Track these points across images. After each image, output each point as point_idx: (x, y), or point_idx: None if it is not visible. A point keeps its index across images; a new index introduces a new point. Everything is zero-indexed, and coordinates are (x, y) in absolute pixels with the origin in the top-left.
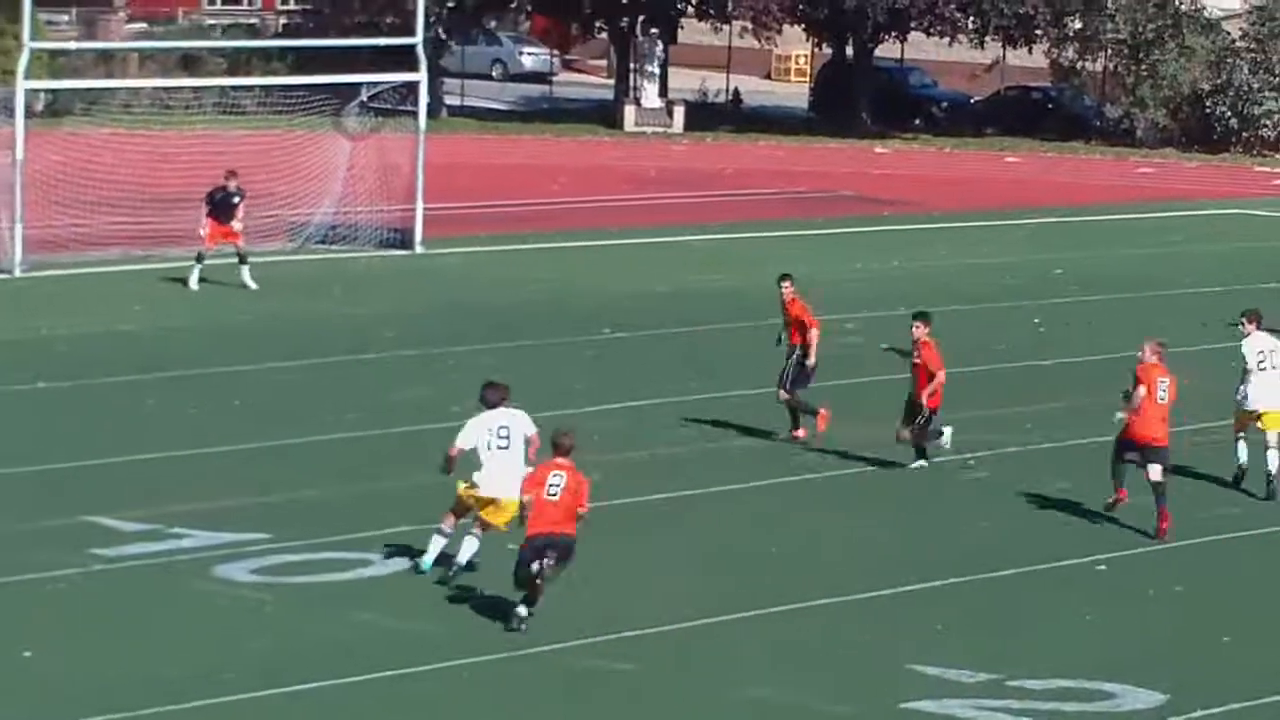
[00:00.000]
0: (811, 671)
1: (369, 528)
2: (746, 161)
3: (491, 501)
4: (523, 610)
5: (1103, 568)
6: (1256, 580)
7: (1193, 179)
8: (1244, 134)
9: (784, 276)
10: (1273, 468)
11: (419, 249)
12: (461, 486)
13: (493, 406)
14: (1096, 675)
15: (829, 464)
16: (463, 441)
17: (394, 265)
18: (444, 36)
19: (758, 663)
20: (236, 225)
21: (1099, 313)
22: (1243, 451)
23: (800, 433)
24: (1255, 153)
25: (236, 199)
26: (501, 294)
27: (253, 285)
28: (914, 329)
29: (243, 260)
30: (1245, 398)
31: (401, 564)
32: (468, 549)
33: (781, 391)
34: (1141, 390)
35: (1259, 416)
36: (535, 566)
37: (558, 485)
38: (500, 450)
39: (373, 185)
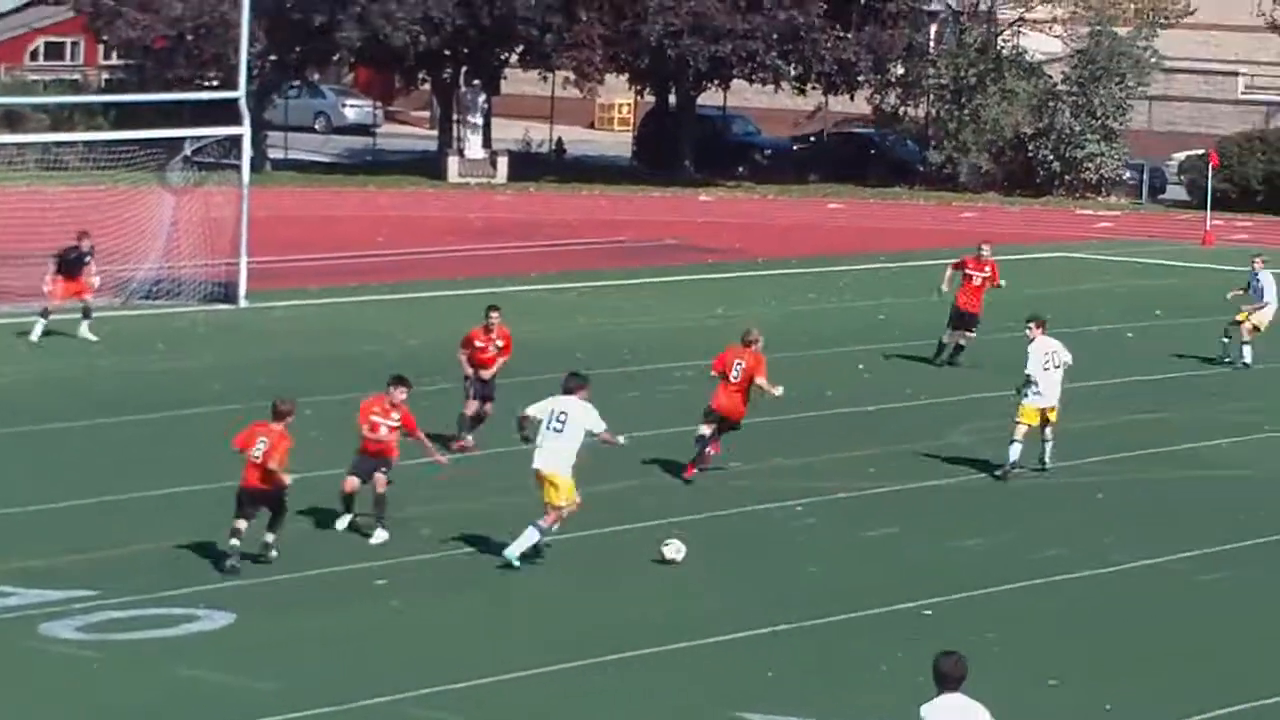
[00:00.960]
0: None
1: (196, 582)
2: (570, 211)
3: (545, 479)
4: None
5: (929, 613)
6: (1082, 622)
7: (1016, 222)
8: (1066, 177)
9: (493, 307)
10: (1048, 453)
11: (243, 303)
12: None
13: (569, 393)
14: None
15: (657, 512)
16: (533, 410)
17: (219, 320)
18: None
19: (585, 714)
20: (92, 281)
21: (924, 358)
22: (1015, 452)
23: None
24: (1078, 195)
25: (88, 258)
26: (326, 346)
27: (93, 338)
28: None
29: (86, 315)
30: (1033, 396)
31: (228, 618)
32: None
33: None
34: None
35: (1043, 413)
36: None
37: (260, 447)
38: (555, 433)
39: (197, 240)
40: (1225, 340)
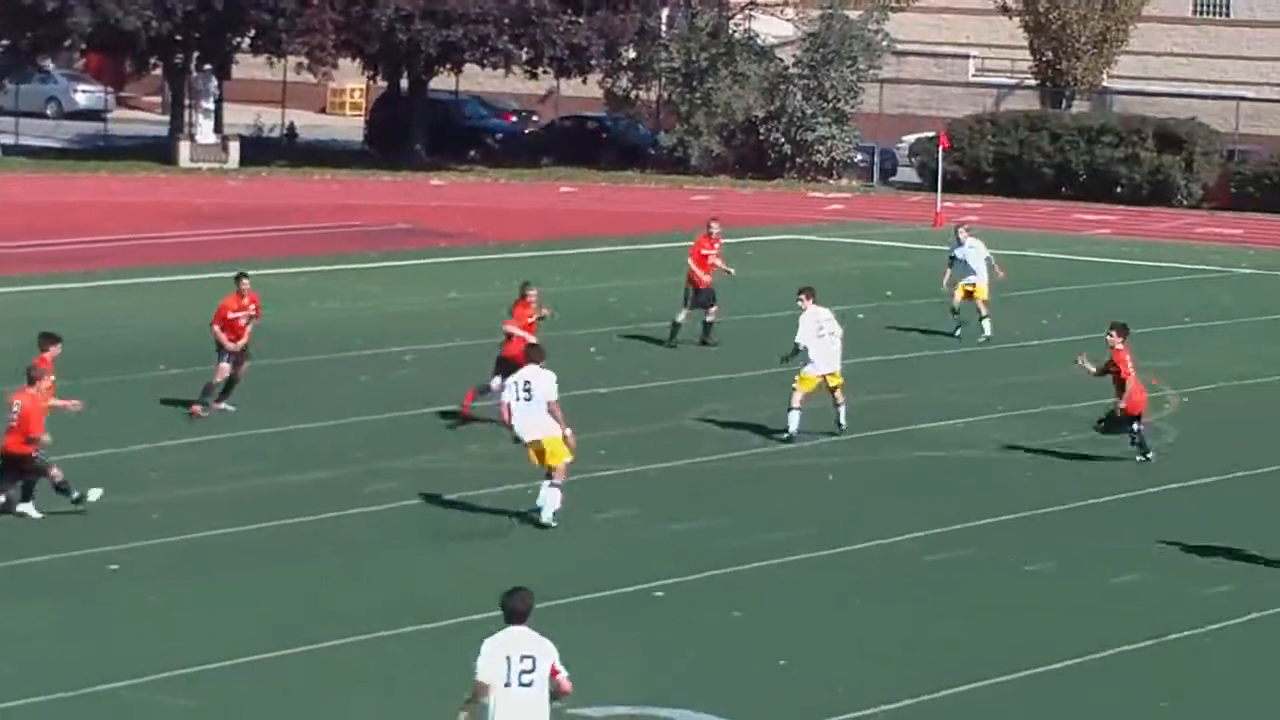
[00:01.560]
0: (377, 698)
1: None
2: (302, 196)
3: (534, 445)
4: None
5: (660, 594)
6: (811, 603)
7: (747, 205)
8: (798, 160)
9: (242, 275)
10: (842, 416)
11: None
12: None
13: (533, 363)
14: (656, 701)
15: (401, 494)
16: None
17: None
18: None
19: (313, 700)
20: None
21: (658, 340)
22: (794, 421)
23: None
24: (809, 178)
25: None
26: (56, 330)
27: None
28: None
29: None
30: (811, 364)
31: None
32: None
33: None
34: None
35: (824, 380)
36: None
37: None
38: (525, 401)
39: None
40: (955, 314)
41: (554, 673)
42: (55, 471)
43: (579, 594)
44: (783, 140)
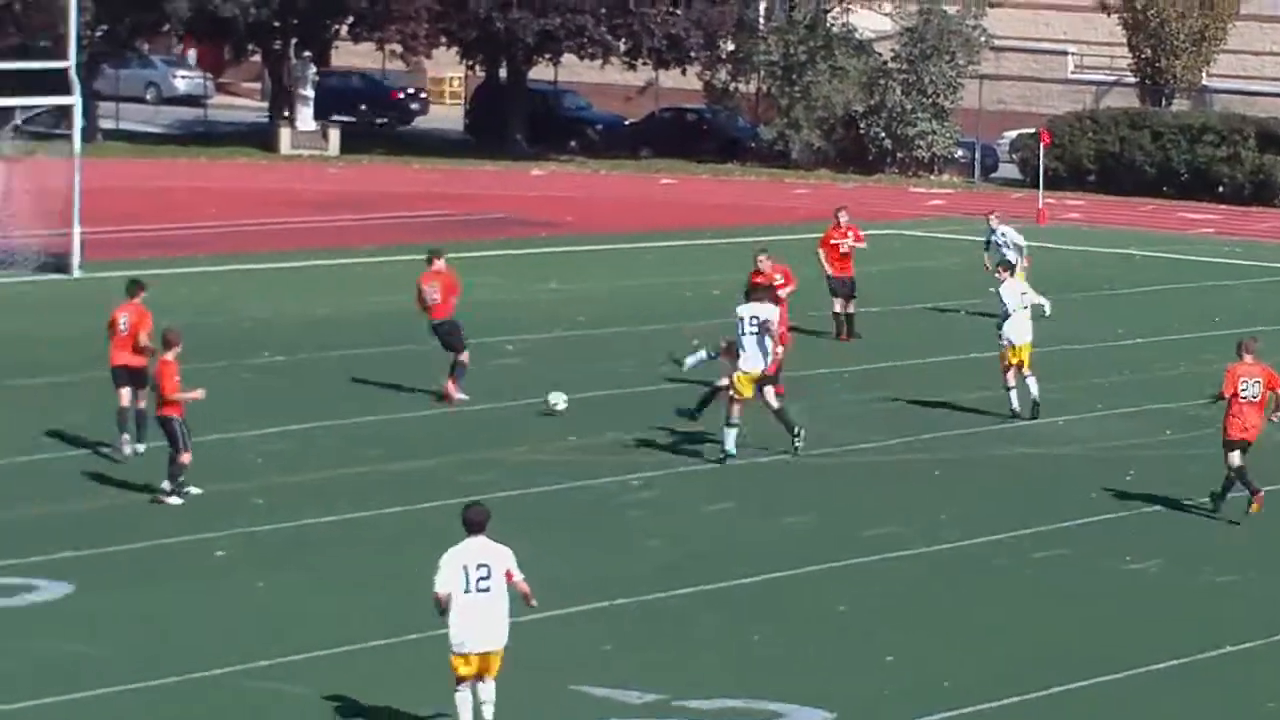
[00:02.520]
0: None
1: (34, 553)
2: (402, 184)
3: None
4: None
5: (749, 582)
6: (916, 598)
7: (849, 199)
8: (898, 155)
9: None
10: (1035, 393)
11: (77, 273)
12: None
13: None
14: (764, 695)
15: (500, 484)
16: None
17: (52, 289)
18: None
19: (423, 686)
20: None
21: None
22: (1016, 398)
23: None
24: (910, 173)
25: None
26: (161, 317)
27: None
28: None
29: None
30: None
31: (66, 588)
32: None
33: None
34: None
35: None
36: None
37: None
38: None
39: (29, 209)
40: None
41: (509, 576)
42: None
43: (687, 586)
44: (883, 135)
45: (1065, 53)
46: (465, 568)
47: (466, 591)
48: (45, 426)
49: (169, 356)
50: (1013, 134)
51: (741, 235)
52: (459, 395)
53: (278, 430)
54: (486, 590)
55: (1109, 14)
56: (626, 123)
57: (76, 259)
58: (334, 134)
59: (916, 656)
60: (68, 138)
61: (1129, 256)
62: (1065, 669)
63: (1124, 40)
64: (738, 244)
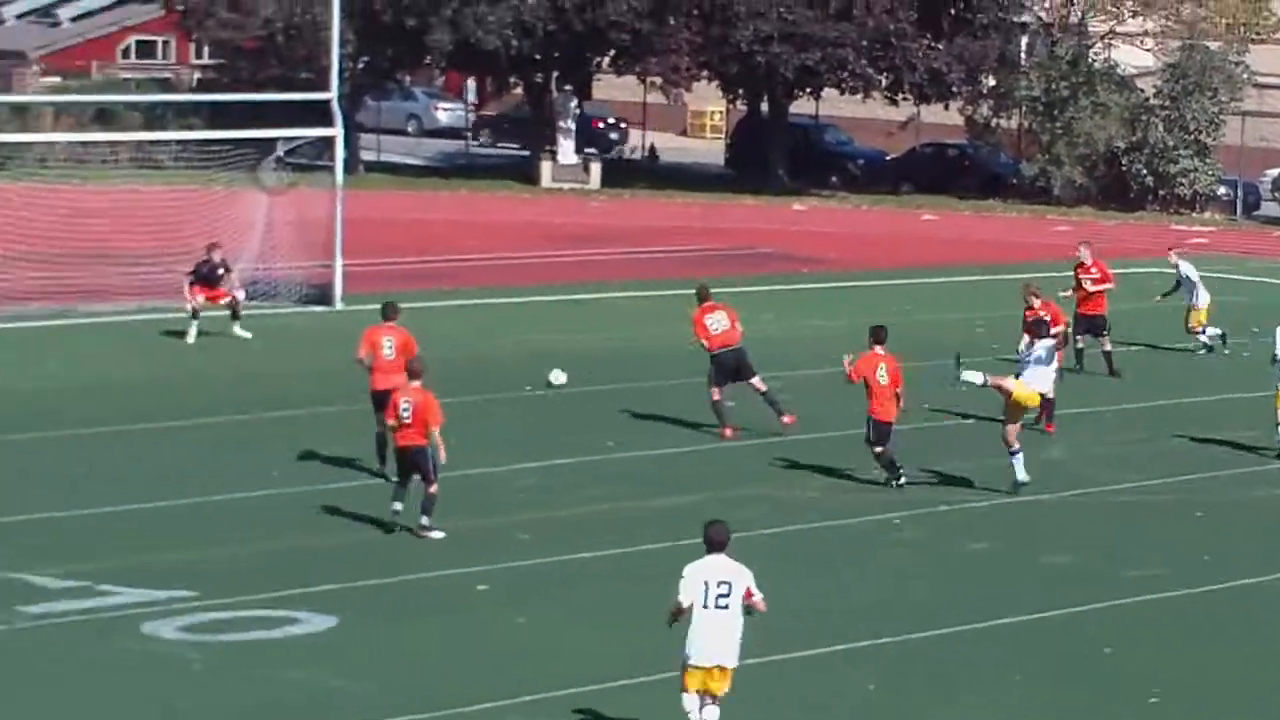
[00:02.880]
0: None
1: (297, 585)
2: (663, 218)
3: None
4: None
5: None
6: (1182, 641)
7: (1111, 237)
8: (1160, 192)
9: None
10: None
11: (339, 305)
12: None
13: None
14: None
15: (764, 521)
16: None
17: (314, 322)
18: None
19: None
20: (237, 293)
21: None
22: None
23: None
24: (1172, 210)
25: (221, 270)
26: (422, 349)
27: (245, 335)
28: None
29: (235, 315)
30: None
31: (329, 621)
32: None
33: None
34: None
35: None
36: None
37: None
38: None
39: (291, 241)
40: (1204, 338)
41: (748, 594)
42: (435, 488)
43: (949, 625)
44: (1145, 172)
45: None
46: (706, 583)
47: (705, 606)
48: (309, 457)
49: (418, 385)
50: (1275, 171)
51: (1003, 272)
52: (787, 419)
53: (538, 465)
54: (725, 608)
55: None
56: (887, 158)
57: (339, 291)
58: (595, 167)
59: (1183, 699)
60: (329, 169)
61: None
62: None
63: None
64: (1000, 281)
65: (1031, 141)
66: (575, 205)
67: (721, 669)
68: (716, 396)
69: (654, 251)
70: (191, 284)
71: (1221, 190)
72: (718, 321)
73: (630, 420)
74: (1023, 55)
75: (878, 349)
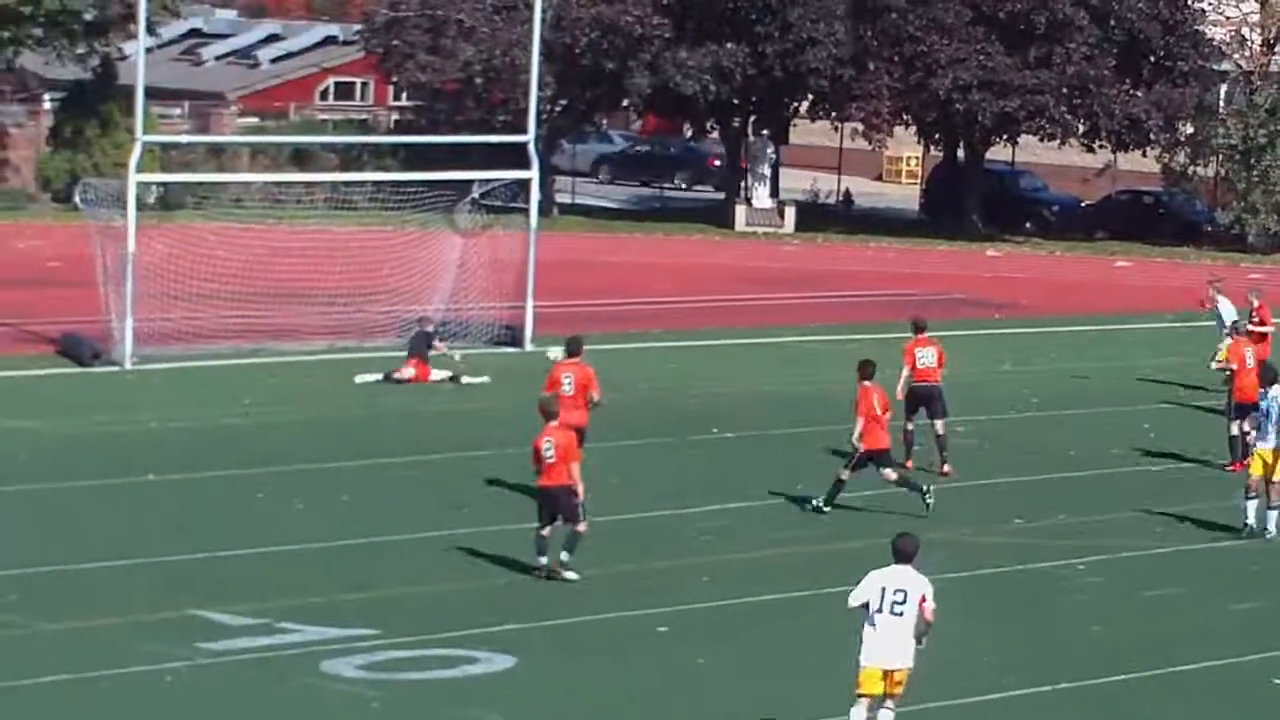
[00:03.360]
0: None
1: (477, 624)
2: (857, 262)
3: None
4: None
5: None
6: None
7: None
8: None
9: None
10: None
11: (530, 346)
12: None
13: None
14: None
15: (947, 566)
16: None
17: (505, 363)
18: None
19: None
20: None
21: (1207, 416)
22: None
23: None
24: None
25: (435, 339)
26: (610, 392)
27: (481, 380)
28: None
29: (456, 379)
30: None
31: (508, 661)
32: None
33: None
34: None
35: None
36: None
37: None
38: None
39: (484, 282)
40: None
41: (921, 601)
42: (584, 526)
43: (1127, 671)
44: None
45: None
46: (884, 589)
47: (879, 611)
48: (496, 497)
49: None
50: None
51: (1197, 320)
52: (947, 469)
53: (723, 507)
54: (899, 615)
55: None
56: (1082, 204)
57: (530, 332)
58: (790, 211)
59: None
60: (524, 211)
61: None
62: None
63: None
64: (1194, 329)
65: (1227, 189)
66: (769, 249)
67: (897, 671)
68: (909, 427)
69: (847, 296)
70: (409, 358)
71: None
72: (926, 356)
73: (820, 461)
74: (1221, 103)
75: (866, 383)
